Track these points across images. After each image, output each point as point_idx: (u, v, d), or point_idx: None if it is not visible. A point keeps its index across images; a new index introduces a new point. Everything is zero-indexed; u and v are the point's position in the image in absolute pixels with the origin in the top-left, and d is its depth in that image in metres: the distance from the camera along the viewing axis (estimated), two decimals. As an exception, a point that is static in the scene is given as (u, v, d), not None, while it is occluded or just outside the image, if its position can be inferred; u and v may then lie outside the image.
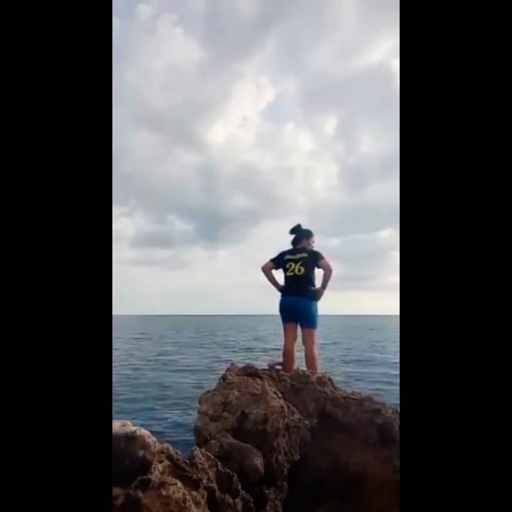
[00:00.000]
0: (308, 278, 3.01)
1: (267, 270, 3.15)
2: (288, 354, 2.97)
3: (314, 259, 3.01)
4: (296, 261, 3.02)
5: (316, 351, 2.94)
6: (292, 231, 3.25)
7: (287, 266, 3.04)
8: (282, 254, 3.13)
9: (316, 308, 2.99)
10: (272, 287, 3.19)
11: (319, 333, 3.04)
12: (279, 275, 3.19)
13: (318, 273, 3.06)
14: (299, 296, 2.98)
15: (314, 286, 3.02)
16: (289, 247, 3.22)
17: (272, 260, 3.15)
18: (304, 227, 3.25)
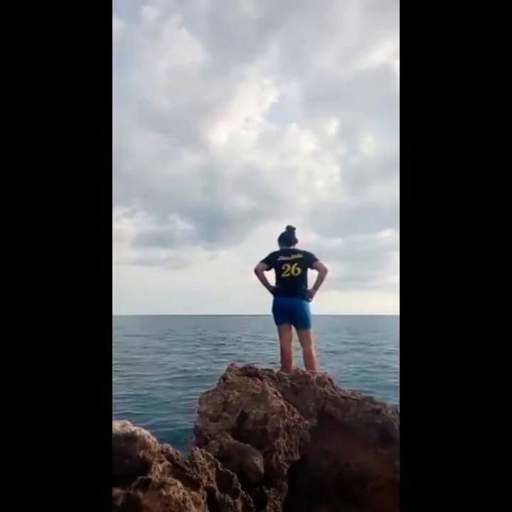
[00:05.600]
0: (303, 279, 3.02)
1: (259, 271, 3.13)
2: (285, 354, 2.97)
3: (310, 260, 3.02)
4: (291, 262, 3.01)
5: (314, 351, 2.95)
6: (287, 233, 3.21)
7: (282, 267, 3.02)
8: (274, 255, 3.11)
9: (309, 309, 3.01)
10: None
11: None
12: (270, 277, 3.19)
13: (310, 274, 3.07)
14: (294, 297, 2.98)
15: (307, 287, 3.03)
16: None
17: (264, 261, 3.13)
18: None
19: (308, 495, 1.97)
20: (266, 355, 12.05)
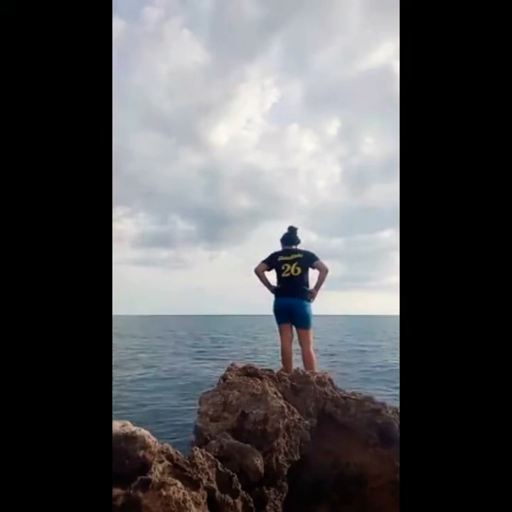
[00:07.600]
0: (303, 279, 3.00)
1: (260, 271, 3.13)
2: (285, 354, 2.97)
3: (310, 260, 3.01)
4: (291, 262, 3.01)
5: (313, 351, 2.95)
6: (288, 234, 3.20)
7: (282, 267, 3.02)
8: (274, 255, 3.11)
9: (310, 309, 3.00)
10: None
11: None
12: (271, 276, 3.18)
13: (311, 273, 3.06)
14: (294, 297, 2.97)
15: (308, 286, 3.03)
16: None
17: (264, 261, 3.13)
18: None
19: (308, 495, 1.97)
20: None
